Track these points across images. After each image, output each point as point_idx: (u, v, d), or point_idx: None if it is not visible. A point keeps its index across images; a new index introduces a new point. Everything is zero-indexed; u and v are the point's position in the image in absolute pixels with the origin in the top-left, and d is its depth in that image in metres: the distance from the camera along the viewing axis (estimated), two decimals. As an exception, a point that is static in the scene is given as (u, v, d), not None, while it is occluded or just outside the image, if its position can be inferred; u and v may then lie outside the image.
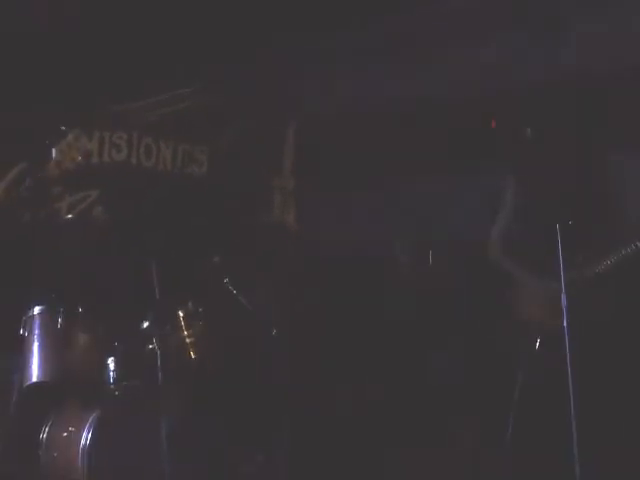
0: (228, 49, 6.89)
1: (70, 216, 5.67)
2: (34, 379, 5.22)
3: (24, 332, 5.33)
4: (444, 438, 5.66)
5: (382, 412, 5.94)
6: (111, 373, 5.41)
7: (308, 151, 7.45)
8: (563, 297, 4.45)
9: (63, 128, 4.38)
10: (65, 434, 5.26)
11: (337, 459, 5.72)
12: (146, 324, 5.48)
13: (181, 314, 5.58)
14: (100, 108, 6.54)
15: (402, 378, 6.09)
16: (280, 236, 7.35)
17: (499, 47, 6.47)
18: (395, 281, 6.43)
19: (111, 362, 5.44)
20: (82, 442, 5.10)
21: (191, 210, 6.56)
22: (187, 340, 5.54)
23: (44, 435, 5.33)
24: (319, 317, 6.44)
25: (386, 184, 6.98)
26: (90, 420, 5.15)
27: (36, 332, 5.29)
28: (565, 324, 4.39)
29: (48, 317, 5.31)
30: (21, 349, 5.30)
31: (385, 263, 6.56)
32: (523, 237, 5.13)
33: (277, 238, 7.28)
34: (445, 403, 5.81)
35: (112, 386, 5.40)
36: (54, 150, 4.35)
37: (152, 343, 5.37)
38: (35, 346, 5.27)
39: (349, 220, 7.03)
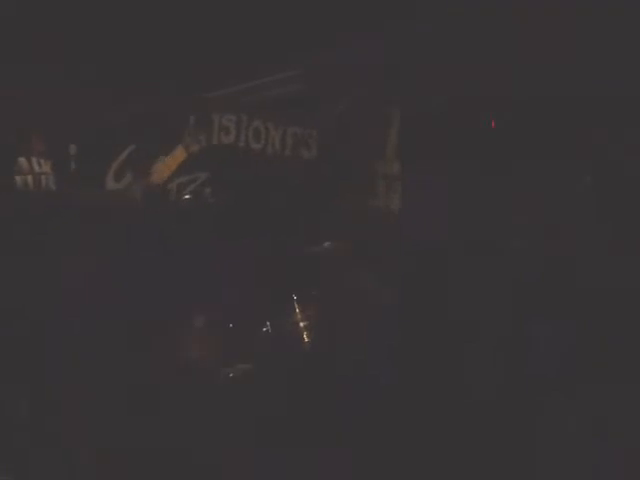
0: (336, 31, 6.89)
1: (188, 197, 5.68)
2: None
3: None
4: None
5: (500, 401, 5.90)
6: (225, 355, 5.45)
7: (415, 136, 7.39)
8: None
9: (190, 111, 4.39)
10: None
11: (452, 452, 5.71)
12: (261, 307, 5.48)
13: (295, 298, 5.58)
14: (211, 91, 6.61)
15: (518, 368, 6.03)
16: (385, 222, 7.32)
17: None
18: (504, 267, 6.36)
19: (224, 344, 5.48)
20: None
21: (301, 194, 6.56)
22: (301, 324, 5.55)
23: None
24: (431, 304, 6.41)
25: (495, 169, 6.91)
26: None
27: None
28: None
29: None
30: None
31: (495, 249, 6.50)
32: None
33: (382, 224, 7.25)
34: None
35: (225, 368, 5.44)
36: (185, 133, 4.36)
37: (266, 326, 5.42)
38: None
39: (457, 206, 6.97)
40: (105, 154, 5.91)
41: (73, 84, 5.63)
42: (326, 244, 5.83)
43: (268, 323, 5.35)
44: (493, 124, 7.17)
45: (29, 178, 3.84)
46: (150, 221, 5.30)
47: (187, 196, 5.79)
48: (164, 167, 4.22)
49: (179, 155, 4.27)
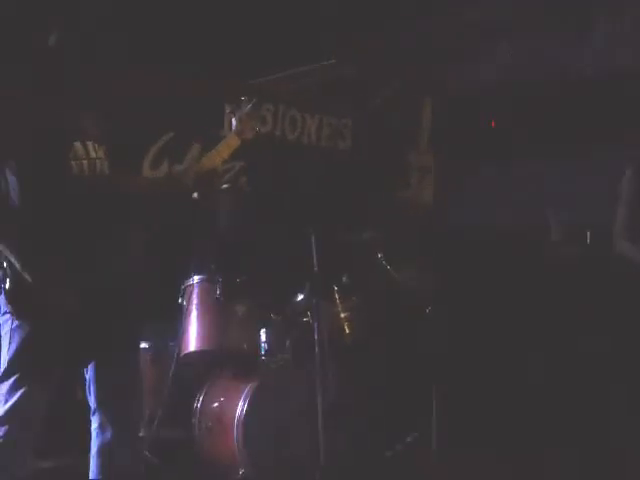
0: (372, 19, 6.85)
1: (226, 186, 5.66)
2: (191, 348, 5.27)
3: (182, 301, 5.38)
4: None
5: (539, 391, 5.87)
6: (264, 345, 5.42)
7: (448, 126, 7.36)
8: None
9: (242, 98, 4.34)
10: (216, 404, 5.29)
11: (488, 438, 5.68)
12: (302, 297, 5.44)
13: (336, 288, 5.54)
14: (248, 79, 6.58)
15: (557, 359, 6.00)
16: (418, 213, 7.30)
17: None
18: (545, 260, 6.33)
19: (263, 334, 5.44)
20: (237, 412, 5.10)
21: (338, 184, 6.53)
22: (341, 315, 5.51)
23: (198, 404, 5.36)
24: (469, 295, 6.38)
25: (531, 161, 6.88)
26: (246, 391, 5.15)
27: (195, 301, 5.33)
28: None
29: (207, 287, 5.34)
30: (179, 318, 5.35)
31: (532, 241, 6.46)
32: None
33: (416, 215, 7.23)
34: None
35: (266, 358, 5.40)
36: (234, 120, 4.32)
37: (307, 316, 5.38)
38: (193, 315, 5.32)
39: (494, 197, 6.93)
40: (143, 140, 5.90)
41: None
42: (365, 234, 5.78)
43: (309, 313, 5.29)
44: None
45: (85, 163, 3.79)
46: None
47: (225, 185, 5.76)
48: (216, 154, 4.16)
49: (233, 142, 4.23)
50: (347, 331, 5.49)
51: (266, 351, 5.41)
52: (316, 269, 5.18)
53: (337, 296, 5.53)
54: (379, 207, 6.83)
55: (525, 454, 5.48)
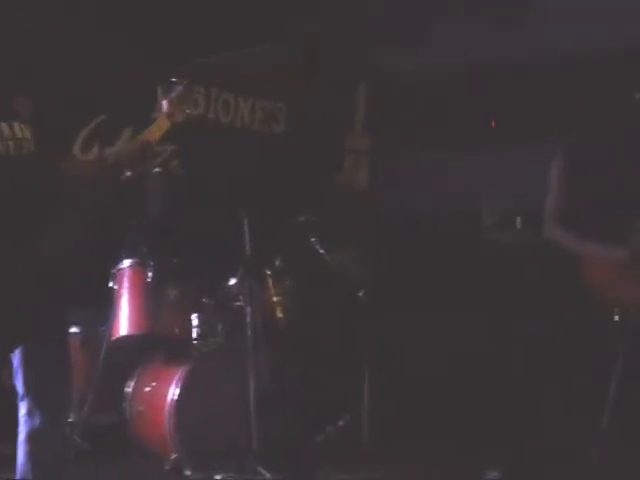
0: (307, 3, 6.83)
1: (157, 170, 5.60)
2: (122, 333, 5.23)
3: (114, 285, 5.32)
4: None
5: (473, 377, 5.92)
6: (196, 329, 5.39)
7: (383, 110, 7.36)
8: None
9: (173, 80, 4.30)
10: (148, 389, 5.26)
11: (420, 421, 5.72)
12: (234, 280, 5.41)
13: (268, 272, 5.52)
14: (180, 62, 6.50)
15: (489, 342, 6.05)
16: (353, 197, 7.30)
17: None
18: (477, 244, 6.37)
19: (196, 318, 5.41)
20: (169, 397, 5.08)
21: (271, 168, 6.50)
22: (274, 299, 5.49)
23: (129, 389, 5.32)
24: (403, 280, 6.41)
25: (465, 145, 6.93)
26: (178, 375, 5.12)
27: (126, 285, 5.29)
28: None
29: (139, 270, 5.29)
30: (110, 302, 5.29)
31: (465, 225, 6.50)
32: (588, 207, 5.02)
33: (350, 199, 7.23)
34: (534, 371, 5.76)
35: (198, 342, 5.37)
36: (164, 103, 4.27)
37: (239, 300, 5.35)
38: (124, 299, 5.27)
39: (428, 181, 6.96)
40: (74, 123, 5.82)
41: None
42: (301, 218, 5.77)
43: (241, 297, 5.27)
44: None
45: (10, 144, 3.72)
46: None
47: (156, 169, 5.71)
48: (148, 136, 4.12)
49: (163, 124, 4.18)
50: (279, 315, 5.47)
51: (198, 335, 5.36)
52: (249, 253, 5.18)
53: (270, 280, 5.51)
54: (313, 191, 6.81)
55: (457, 441, 5.52)
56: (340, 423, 5.61)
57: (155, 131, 4.18)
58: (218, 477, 4.95)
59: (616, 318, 4.82)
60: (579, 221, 4.96)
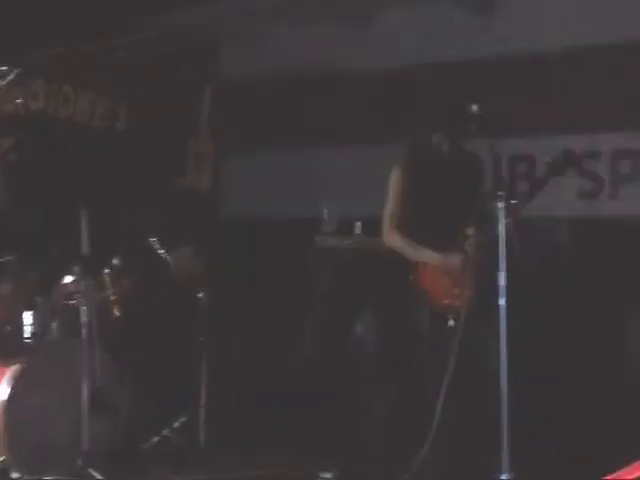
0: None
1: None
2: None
3: (-57, 280, 5.14)
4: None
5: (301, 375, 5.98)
6: (30, 327, 5.25)
7: (227, 113, 7.36)
8: (501, 275, 4.43)
9: (4, 68, 4.17)
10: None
11: (256, 419, 5.73)
12: (70, 279, 5.30)
13: (106, 271, 5.43)
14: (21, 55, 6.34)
15: (320, 344, 6.12)
16: (195, 198, 7.27)
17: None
18: (315, 247, 6.43)
19: (29, 316, 5.27)
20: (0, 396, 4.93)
21: (112, 165, 6.41)
22: (111, 298, 5.40)
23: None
24: (242, 280, 6.42)
25: (307, 149, 6.99)
26: (9, 374, 4.97)
27: (-44, 280, 5.11)
28: (503, 302, 4.37)
29: (-30, 266, 5.13)
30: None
31: (306, 228, 6.55)
32: (423, 214, 5.15)
33: (192, 200, 7.20)
34: (361, 372, 5.86)
35: (30, 341, 5.23)
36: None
37: (75, 299, 5.25)
38: (-46, 294, 5.09)
39: (270, 183, 7.00)
40: None
41: None
42: (141, 217, 5.71)
43: (77, 295, 5.16)
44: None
45: None
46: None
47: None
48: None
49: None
50: (116, 314, 5.39)
51: (31, 334, 5.23)
52: (86, 251, 5.08)
53: (107, 279, 5.41)
54: (155, 191, 6.75)
55: (292, 443, 5.56)
56: (176, 425, 5.57)
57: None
58: (47, 479, 4.83)
59: (451, 323, 4.91)
60: (415, 228, 5.07)
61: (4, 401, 4.89)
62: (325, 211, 6.47)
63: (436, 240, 5.02)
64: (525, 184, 6.18)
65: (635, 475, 3.35)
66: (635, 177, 6.23)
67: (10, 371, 4.97)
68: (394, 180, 5.19)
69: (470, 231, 4.96)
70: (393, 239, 5.13)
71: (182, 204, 6.97)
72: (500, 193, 4.42)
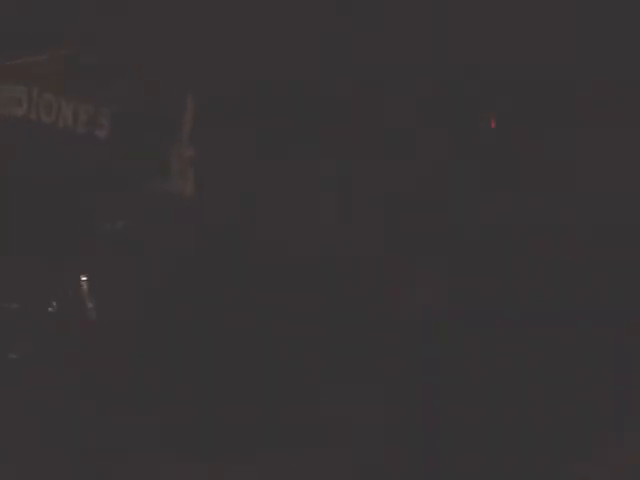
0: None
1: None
2: None
3: None
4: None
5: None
6: None
7: (210, 120, 7.34)
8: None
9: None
10: None
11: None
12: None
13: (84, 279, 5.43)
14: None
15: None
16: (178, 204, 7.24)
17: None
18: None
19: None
20: None
21: (97, 171, 6.41)
22: (89, 305, 5.40)
23: None
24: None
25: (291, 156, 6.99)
26: None
27: None
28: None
29: None
30: None
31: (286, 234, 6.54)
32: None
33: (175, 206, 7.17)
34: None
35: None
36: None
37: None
38: None
39: (251, 190, 6.99)
40: None
41: None
42: (119, 223, 5.69)
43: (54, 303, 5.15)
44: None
45: None
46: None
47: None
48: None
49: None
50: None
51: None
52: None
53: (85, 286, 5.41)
54: (136, 197, 6.74)
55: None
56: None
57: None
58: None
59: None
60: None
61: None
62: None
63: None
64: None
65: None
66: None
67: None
68: None
69: None
70: None
71: (165, 211, 6.95)
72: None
